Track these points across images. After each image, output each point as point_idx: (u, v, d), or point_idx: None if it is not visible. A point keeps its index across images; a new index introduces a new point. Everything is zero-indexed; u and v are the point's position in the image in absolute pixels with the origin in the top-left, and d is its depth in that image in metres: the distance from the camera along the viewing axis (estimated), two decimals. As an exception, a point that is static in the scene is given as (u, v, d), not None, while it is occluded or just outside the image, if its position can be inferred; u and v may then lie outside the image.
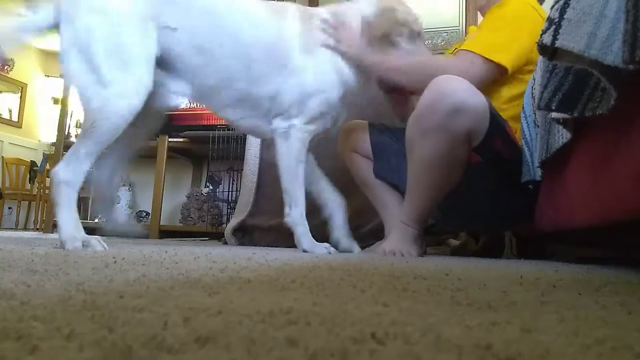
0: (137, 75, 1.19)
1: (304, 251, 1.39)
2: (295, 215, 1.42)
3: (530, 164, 1.32)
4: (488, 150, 1.28)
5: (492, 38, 1.39)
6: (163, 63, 1.30)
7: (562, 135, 1.01)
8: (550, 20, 0.77)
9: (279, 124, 1.45)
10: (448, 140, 1.22)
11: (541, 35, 0.78)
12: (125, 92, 1.17)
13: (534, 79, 1.19)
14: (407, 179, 1.36)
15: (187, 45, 1.31)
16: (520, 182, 1.34)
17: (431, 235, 1.94)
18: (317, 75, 1.44)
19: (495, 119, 1.27)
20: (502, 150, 1.31)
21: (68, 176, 1.10)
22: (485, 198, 1.39)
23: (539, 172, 1.25)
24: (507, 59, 1.35)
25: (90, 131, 1.12)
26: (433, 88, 1.22)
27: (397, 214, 1.43)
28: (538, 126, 1.20)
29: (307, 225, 1.42)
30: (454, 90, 1.20)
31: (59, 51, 1.18)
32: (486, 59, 1.35)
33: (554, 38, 0.75)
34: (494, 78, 1.38)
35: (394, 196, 1.56)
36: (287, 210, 1.43)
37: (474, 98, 1.22)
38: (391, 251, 1.33)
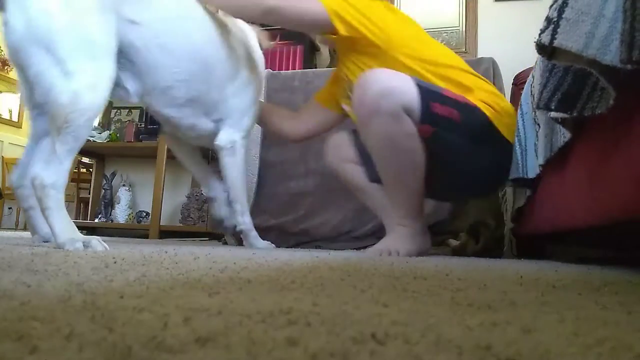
0: (105, 66, 1.16)
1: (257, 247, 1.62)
2: (247, 222, 1.65)
3: (519, 161, 1.33)
4: (433, 118, 1.31)
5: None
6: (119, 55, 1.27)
7: (563, 134, 1.01)
8: (548, 20, 0.77)
9: (224, 140, 1.58)
10: (385, 121, 1.27)
11: (539, 34, 0.78)
12: (95, 84, 1.12)
13: (533, 77, 1.20)
14: (382, 181, 1.39)
15: (150, 43, 1.31)
16: (489, 144, 1.37)
17: (431, 235, 1.94)
18: (253, 90, 1.62)
19: (423, 87, 1.30)
20: (447, 112, 1.33)
21: (52, 178, 1.06)
22: (462, 164, 1.41)
23: (535, 169, 1.25)
24: (341, 22, 1.39)
25: (65, 128, 1.07)
26: (359, 83, 1.30)
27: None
28: (539, 125, 1.20)
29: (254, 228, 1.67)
30: (376, 79, 1.27)
31: (7, 40, 1.08)
32: (325, 9, 1.39)
33: (552, 37, 0.75)
34: (322, 31, 1.45)
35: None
36: (239, 219, 1.63)
37: (395, 78, 1.28)
38: (385, 250, 1.34)
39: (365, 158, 1.61)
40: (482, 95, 1.39)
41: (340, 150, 1.67)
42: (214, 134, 1.60)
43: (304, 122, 1.76)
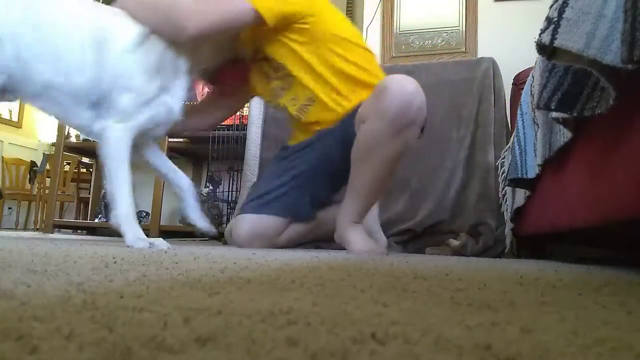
0: None
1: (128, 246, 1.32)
2: (120, 215, 1.34)
3: (518, 162, 1.33)
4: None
5: None
6: None
7: (563, 134, 1.01)
8: (549, 20, 0.77)
9: (96, 127, 1.37)
10: (414, 132, 1.33)
11: (540, 34, 0.78)
12: None
13: (533, 77, 1.20)
14: (361, 182, 1.37)
15: (18, 37, 1.27)
16: None
17: (431, 235, 1.94)
18: (144, 85, 1.39)
19: None
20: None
21: None
22: None
23: (535, 169, 1.25)
24: (268, 11, 1.37)
25: None
26: (396, 92, 1.28)
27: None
28: (538, 125, 1.20)
29: (134, 222, 1.35)
30: (416, 90, 1.30)
31: None
32: (251, 6, 1.35)
33: (553, 37, 0.75)
34: (253, 25, 1.41)
35: (337, 206, 1.55)
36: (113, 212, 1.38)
37: (420, 88, 1.32)
38: (369, 251, 1.35)
39: (294, 210, 1.55)
40: None
41: (270, 239, 1.54)
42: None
43: (211, 114, 1.73)
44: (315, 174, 1.53)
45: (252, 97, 1.79)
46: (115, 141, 1.36)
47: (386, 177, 1.37)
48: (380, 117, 1.30)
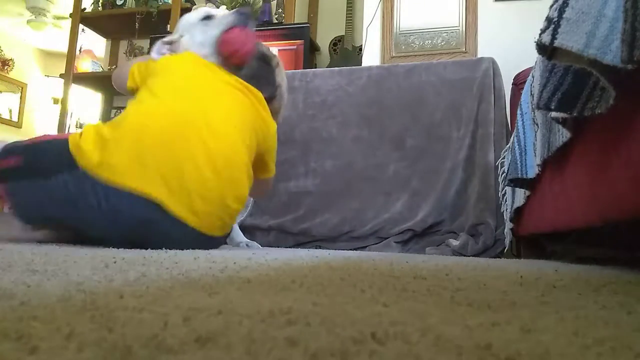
0: None
1: None
2: None
3: (518, 162, 1.33)
4: None
5: None
6: None
7: (562, 134, 1.01)
8: (549, 20, 0.77)
9: None
10: None
11: (540, 34, 0.78)
12: None
13: (532, 77, 1.19)
14: None
15: None
16: None
17: (431, 235, 1.94)
18: None
19: None
20: None
21: None
22: None
23: (535, 169, 1.25)
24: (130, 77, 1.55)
25: None
26: None
27: None
28: (537, 125, 1.20)
29: None
30: None
31: None
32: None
33: (553, 37, 0.75)
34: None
35: None
36: None
37: None
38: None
39: None
40: None
41: None
42: None
43: None
44: None
45: None
46: None
47: None
48: None
